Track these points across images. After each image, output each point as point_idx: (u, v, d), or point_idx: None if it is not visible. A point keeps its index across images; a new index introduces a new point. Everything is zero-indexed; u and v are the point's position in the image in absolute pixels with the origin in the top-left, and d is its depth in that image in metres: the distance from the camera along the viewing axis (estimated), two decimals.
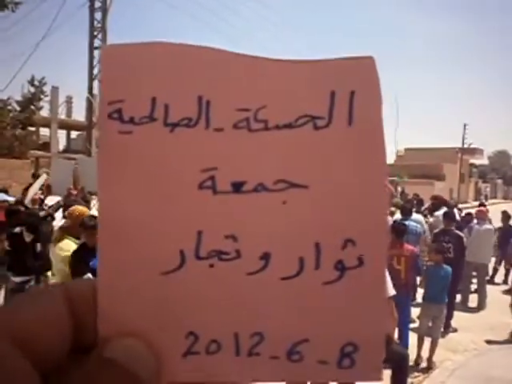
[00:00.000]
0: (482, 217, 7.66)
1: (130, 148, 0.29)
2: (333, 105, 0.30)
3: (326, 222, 0.30)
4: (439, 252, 5.15)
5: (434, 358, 4.93)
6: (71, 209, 4.30)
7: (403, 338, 4.61)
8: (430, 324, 5.04)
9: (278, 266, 0.30)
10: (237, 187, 0.30)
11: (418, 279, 5.52)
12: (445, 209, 7.77)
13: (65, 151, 32.05)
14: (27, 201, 5.14)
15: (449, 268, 5.09)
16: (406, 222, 5.60)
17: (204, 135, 0.29)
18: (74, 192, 5.72)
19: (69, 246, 3.75)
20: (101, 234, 0.29)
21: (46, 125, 27.44)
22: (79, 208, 4.33)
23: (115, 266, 0.29)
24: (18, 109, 12.41)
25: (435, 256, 5.11)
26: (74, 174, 5.94)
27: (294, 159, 0.30)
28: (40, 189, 5.33)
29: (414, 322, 5.26)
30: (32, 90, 12.78)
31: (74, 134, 38.10)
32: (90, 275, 2.88)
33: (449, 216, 6.38)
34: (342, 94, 0.30)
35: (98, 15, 11.46)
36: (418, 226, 6.29)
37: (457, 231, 6.27)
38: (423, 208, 9.30)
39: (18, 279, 4.80)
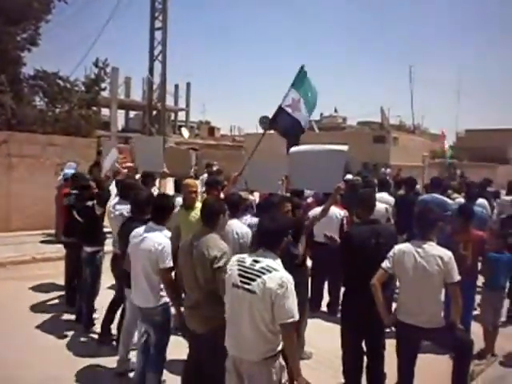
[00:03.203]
0: None
1: None
2: None
3: None
4: (500, 237, 4.85)
5: (496, 347, 4.77)
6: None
7: (465, 325, 4.48)
8: (492, 312, 4.86)
9: None
10: None
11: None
12: None
13: (123, 130, 33.30)
14: (103, 174, 5.52)
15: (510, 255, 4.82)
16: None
17: None
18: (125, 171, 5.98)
19: None
20: None
21: (106, 105, 28.60)
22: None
23: None
24: (84, 90, 13.02)
25: (496, 241, 4.80)
26: (131, 153, 6.16)
27: None
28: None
29: (474, 309, 5.09)
30: (96, 71, 13.32)
31: (131, 113, 39.47)
32: None
33: None
34: None
35: None
36: (484, 210, 6.01)
37: None
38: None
39: (89, 249, 5.14)
